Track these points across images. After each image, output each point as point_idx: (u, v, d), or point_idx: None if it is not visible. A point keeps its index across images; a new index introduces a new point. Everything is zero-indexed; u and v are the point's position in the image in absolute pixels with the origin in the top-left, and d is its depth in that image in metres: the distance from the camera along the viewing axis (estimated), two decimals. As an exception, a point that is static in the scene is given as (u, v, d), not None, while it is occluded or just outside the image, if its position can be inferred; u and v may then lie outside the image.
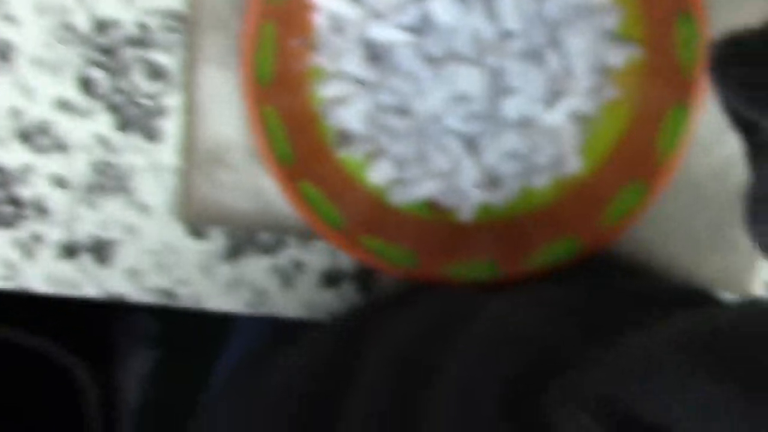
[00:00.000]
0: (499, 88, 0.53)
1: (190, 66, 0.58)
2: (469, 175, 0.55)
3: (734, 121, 0.28)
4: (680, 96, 0.48)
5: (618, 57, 0.53)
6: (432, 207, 0.57)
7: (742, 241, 0.58)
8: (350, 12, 0.53)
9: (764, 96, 0.23)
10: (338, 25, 0.53)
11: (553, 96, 0.53)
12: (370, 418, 0.40)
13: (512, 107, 0.53)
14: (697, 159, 0.57)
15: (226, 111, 0.59)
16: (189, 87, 0.59)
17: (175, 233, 0.62)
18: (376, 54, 0.53)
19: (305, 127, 0.55)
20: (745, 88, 0.24)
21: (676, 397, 0.30)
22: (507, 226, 0.56)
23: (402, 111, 0.54)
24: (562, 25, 0.51)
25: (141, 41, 0.59)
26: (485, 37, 0.52)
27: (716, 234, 0.58)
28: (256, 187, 0.60)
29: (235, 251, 0.62)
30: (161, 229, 0.62)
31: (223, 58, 0.58)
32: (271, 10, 0.50)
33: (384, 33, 0.52)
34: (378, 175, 0.56)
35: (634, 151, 0.52)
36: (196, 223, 0.62)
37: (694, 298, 0.51)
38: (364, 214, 0.56)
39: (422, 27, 0.52)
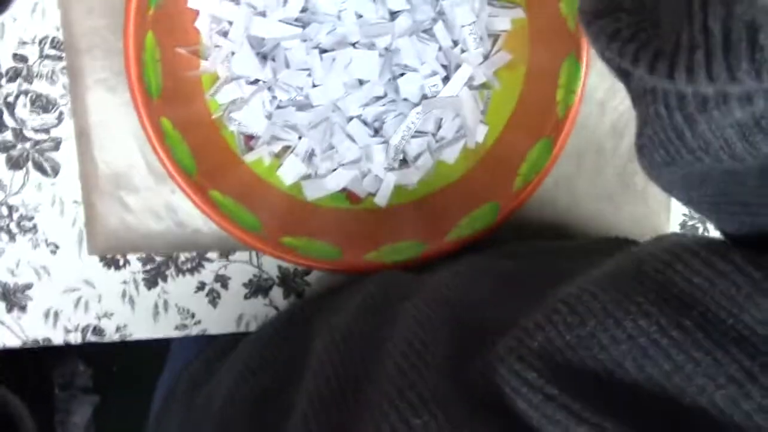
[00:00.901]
0: (394, 68, 0.53)
1: (75, 93, 0.56)
2: (378, 159, 0.54)
3: (613, 70, 0.29)
4: (570, 49, 0.49)
5: (504, 21, 0.53)
6: (348, 196, 0.56)
7: (651, 188, 0.59)
8: (231, 13, 0.52)
9: (624, 42, 0.24)
10: (222, 28, 0.52)
11: (448, 69, 0.53)
12: (317, 394, 0.39)
13: (410, 86, 0.53)
14: (595, 118, 0.58)
15: (120, 133, 0.57)
16: (78, 114, 0.56)
17: (90, 267, 0.60)
18: (265, 52, 0.52)
19: (206, 135, 0.54)
20: (609, 38, 0.25)
21: (611, 338, 0.30)
22: (426, 204, 0.56)
23: (301, 106, 0.53)
24: None
25: (20, 74, 0.56)
26: (372, 20, 0.52)
27: (625, 186, 0.59)
28: (166, 206, 0.58)
29: (155, 276, 0.61)
30: (75, 265, 0.60)
31: (109, 80, 0.56)
32: (150, 21, 0.48)
33: (269, 29, 0.51)
34: (288, 173, 0.55)
35: (536, 110, 0.52)
36: (110, 254, 0.60)
37: (615, 245, 0.52)
38: (281, 215, 0.55)
39: (307, 18, 0.51)
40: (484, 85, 0.55)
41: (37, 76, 0.56)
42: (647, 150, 0.28)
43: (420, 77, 0.53)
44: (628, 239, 0.54)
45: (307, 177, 0.56)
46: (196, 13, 0.52)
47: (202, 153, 0.52)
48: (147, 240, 0.59)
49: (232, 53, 0.52)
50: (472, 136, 0.54)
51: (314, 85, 0.52)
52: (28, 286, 0.60)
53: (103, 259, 0.60)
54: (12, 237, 0.59)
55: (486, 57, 0.54)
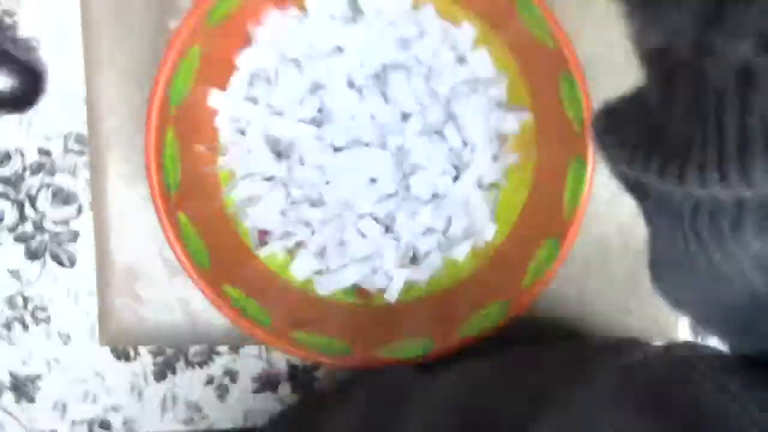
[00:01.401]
0: (405, 167, 0.54)
1: (96, 186, 0.58)
2: (389, 256, 0.55)
3: (626, 186, 0.28)
4: (576, 151, 0.50)
5: (511, 123, 0.55)
6: (359, 292, 0.57)
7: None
8: (250, 112, 0.54)
9: (634, 149, 0.24)
10: (240, 126, 0.54)
11: (458, 168, 0.55)
12: None
13: (421, 184, 0.54)
14: (603, 217, 0.59)
15: (138, 227, 0.58)
16: (97, 207, 0.58)
17: (101, 358, 0.60)
18: (281, 150, 0.54)
19: (221, 230, 0.55)
20: (620, 150, 0.25)
21: None
22: (435, 301, 0.57)
23: (314, 202, 0.55)
24: (455, 101, 0.53)
25: (44, 167, 0.58)
26: (384, 120, 0.53)
27: (634, 285, 0.60)
28: (179, 299, 0.59)
29: (165, 369, 0.61)
30: (86, 357, 0.60)
31: (129, 175, 0.58)
32: (171, 118, 0.50)
33: (286, 128, 0.53)
34: (300, 269, 0.56)
35: (543, 209, 0.53)
36: (121, 346, 0.60)
37: (624, 348, 0.52)
38: (292, 310, 0.55)
39: (322, 118, 0.53)
40: (493, 185, 0.56)
41: (59, 169, 0.58)
42: (659, 271, 0.28)
43: (431, 176, 0.54)
44: (634, 340, 0.54)
45: (319, 272, 0.56)
46: (216, 111, 0.54)
47: (216, 247, 0.53)
48: (158, 332, 0.59)
49: (249, 151, 0.54)
50: (481, 234, 0.55)
51: (328, 183, 0.54)
52: (39, 377, 0.60)
53: (114, 350, 0.60)
54: (26, 327, 0.60)
55: (495, 157, 0.55)
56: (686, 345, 0.43)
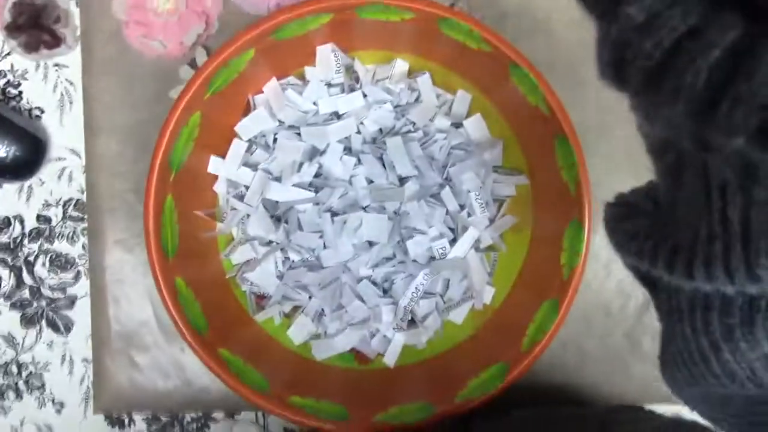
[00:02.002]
0: (402, 231, 0.54)
1: (94, 252, 0.58)
2: (387, 319, 0.55)
3: (637, 277, 0.28)
4: (572, 213, 0.51)
5: (508, 187, 0.56)
6: (357, 357, 0.56)
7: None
8: (248, 178, 0.54)
9: (643, 241, 0.24)
10: (239, 192, 0.55)
11: (455, 232, 0.55)
12: None
13: (418, 248, 0.54)
14: (601, 279, 0.59)
15: (135, 292, 0.58)
16: (95, 273, 0.58)
17: (95, 426, 0.59)
18: (279, 215, 0.55)
19: (218, 295, 0.55)
20: (630, 242, 0.25)
21: None
22: (434, 364, 0.56)
23: (312, 266, 0.55)
24: (452, 165, 0.54)
25: (43, 234, 0.59)
26: (382, 185, 0.54)
27: (634, 347, 0.59)
28: (175, 365, 0.58)
29: (160, 436, 0.60)
30: (79, 425, 0.59)
31: (126, 241, 0.58)
32: (171, 184, 0.51)
33: (283, 193, 0.53)
34: (298, 333, 0.56)
35: (542, 271, 0.54)
36: (115, 412, 0.59)
37: (629, 418, 0.51)
38: (289, 375, 0.55)
39: (320, 183, 0.54)
40: (490, 248, 0.56)
41: (58, 236, 0.59)
42: (670, 367, 0.27)
43: (428, 240, 0.54)
44: (640, 408, 0.53)
45: (317, 337, 0.56)
46: (215, 177, 0.55)
47: (213, 312, 0.53)
48: (154, 398, 0.58)
49: (248, 216, 0.55)
50: (479, 297, 0.55)
51: (325, 247, 0.54)
52: (31, 446, 0.59)
53: (108, 417, 0.59)
54: (19, 395, 0.59)
55: (492, 221, 0.56)
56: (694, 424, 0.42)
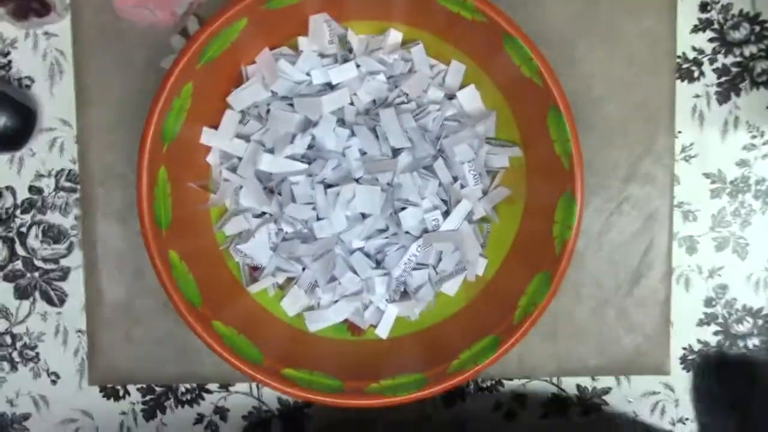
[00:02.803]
0: (395, 203, 0.54)
1: (87, 224, 0.58)
2: (380, 291, 0.55)
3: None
4: (565, 186, 0.51)
5: (501, 159, 0.55)
6: (350, 328, 0.57)
7: (649, 320, 0.59)
8: (241, 149, 0.54)
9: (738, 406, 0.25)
10: (232, 164, 0.55)
11: (448, 204, 0.55)
12: None
13: (411, 220, 0.54)
14: (592, 252, 0.59)
15: (128, 264, 0.58)
16: (88, 244, 0.58)
17: (90, 397, 0.60)
18: (272, 186, 0.54)
19: (212, 267, 0.55)
20: (717, 396, 0.26)
21: None
22: (427, 336, 0.56)
23: (305, 238, 0.55)
24: (445, 137, 0.54)
25: (35, 205, 0.58)
26: (375, 157, 0.54)
27: (624, 319, 0.60)
28: (169, 337, 0.58)
29: (154, 407, 0.60)
30: (75, 396, 0.60)
31: (120, 212, 0.58)
32: (163, 156, 0.50)
33: (276, 165, 0.53)
34: (291, 305, 0.56)
35: (533, 244, 0.54)
36: (110, 384, 0.60)
37: None
38: (283, 346, 0.55)
39: (313, 155, 0.54)
40: (483, 219, 0.56)
41: (50, 207, 0.58)
42: None
43: (421, 211, 0.54)
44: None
45: (310, 308, 0.56)
46: (208, 149, 0.54)
47: (207, 284, 0.53)
48: (148, 370, 0.59)
49: (240, 187, 0.54)
50: (472, 269, 0.55)
51: (318, 219, 0.54)
52: (26, 417, 0.59)
53: (103, 389, 0.60)
54: (14, 366, 0.59)
55: (485, 192, 0.56)
56: None
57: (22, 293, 0.59)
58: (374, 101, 0.55)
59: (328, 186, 0.54)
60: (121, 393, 0.60)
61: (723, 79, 0.59)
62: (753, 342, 0.61)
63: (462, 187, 0.55)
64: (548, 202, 0.52)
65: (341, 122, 0.54)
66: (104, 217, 0.58)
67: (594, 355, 0.59)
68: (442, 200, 0.55)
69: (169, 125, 0.50)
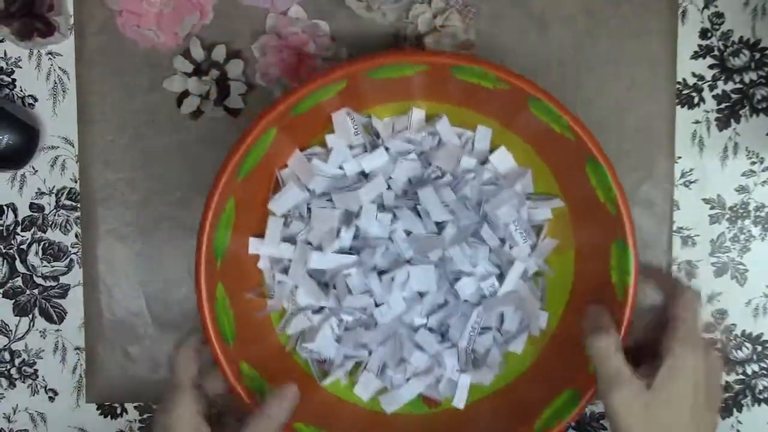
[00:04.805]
0: (449, 275, 0.54)
1: (87, 242, 0.58)
2: (450, 363, 0.55)
3: None
4: (615, 232, 0.50)
5: (544, 212, 0.55)
6: (425, 401, 0.57)
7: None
8: (289, 251, 0.55)
9: None
10: (282, 266, 0.55)
11: (500, 266, 0.55)
12: None
13: (468, 289, 0.54)
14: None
15: (127, 282, 0.58)
16: (88, 262, 0.58)
17: (87, 415, 0.60)
18: (326, 281, 0.55)
19: (282, 369, 0.55)
20: None
21: None
22: (502, 397, 0.56)
23: (367, 324, 0.55)
24: (485, 202, 0.54)
25: (36, 222, 0.59)
26: (420, 235, 0.54)
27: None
28: (167, 355, 0.58)
29: (151, 426, 0.60)
30: (72, 413, 0.60)
31: (120, 230, 0.58)
32: (218, 273, 0.51)
33: (326, 261, 0.53)
34: (364, 390, 0.56)
35: (592, 289, 0.53)
36: (108, 402, 0.60)
37: None
38: (363, 430, 0.55)
39: (360, 244, 0.54)
40: (537, 273, 0.56)
41: (51, 225, 0.59)
42: None
43: (476, 279, 0.54)
44: None
45: (383, 391, 0.56)
46: (257, 256, 0.55)
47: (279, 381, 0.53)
48: (146, 388, 0.59)
49: (296, 287, 0.55)
50: (535, 324, 0.55)
51: (377, 305, 0.54)
52: (24, 434, 0.60)
53: (100, 407, 0.60)
54: (12, 383, 0.59)
55: (533, 247, 0.56)
56: None
57: (21, 310, 0.59)
58: (410, 180, 0.55)
59: (380, 272, 0.54)
60: (118, 411, 0.60)
61: (723, 105, 0.59)
62: (752, 368, 0.61)
63: (511, 247, 0.55)
64: (599, 245, 0.52)
65: (381, 207, 0.54)
66: (104, 235, 0.58)
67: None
68: (494, 264, 0.55)
69: (219, 241, 0.51)
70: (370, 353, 0.56)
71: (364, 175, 0.55)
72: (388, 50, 0.59)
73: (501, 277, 0.55)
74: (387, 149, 0.54)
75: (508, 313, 0.56)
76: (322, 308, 0.55)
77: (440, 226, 0.54)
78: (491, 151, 0.55)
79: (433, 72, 0.50)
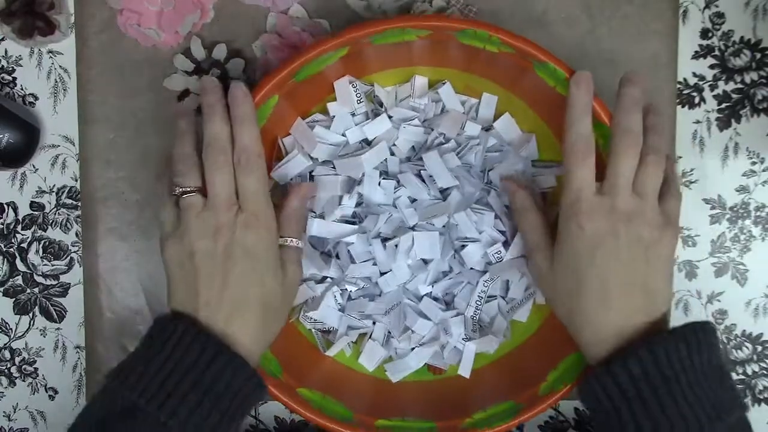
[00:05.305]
0: (454, 243, 0.54)
1: (87, 240, 0.58)
2: (456, 332, 0.55)
3: None
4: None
5: (549, 179, 0.55)
6: (430, 369, 0.57)
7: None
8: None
9: None
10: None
11: (506, 233, 0.55)
12: None
13: (473, 256, 0.54)
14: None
15: (127, 281, 0.58)
16: (88, 261, 0.58)
17: (87, 413, 0.60)
18: (329, 250, 0.55)
19: (286, 338, 0.54)
20: None
21: None
22: (506, 363, 0.57)
23: (371, 294, 0.55)
24: (490, 169, 0.54)
25: (36, 221, 0.59)
26: (425, 201, 0.54)
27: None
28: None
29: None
30: (72, 411, 0.60)
31: (120, 229, 0.58)
32: None
33: (327, 229, 0.53)
34: (369, 359, 0.56)
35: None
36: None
37: None
38: (369, 399, 0.55)
39: (363, 212, 0.54)
40: None
41: (51, 223, 0.59)
42: None
43: (482, 246, 0.54)
44: None
45: (388, 359, 0.56)
46: None
47: (286, 356, 0.53)
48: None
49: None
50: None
51: (381, 273, 0.54)
52: (24, 432, 0.60)
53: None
54: (12, 381, 0.59)
55: None
56: None
57: (21, 308, 0.59)
58: (413, 147, 0.55)
59: (384, 240, 0.54)
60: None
61: (724, 105, 0.59)
62: (752, 368, 0.61)
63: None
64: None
65: (385, 174, 0.54)
66: (105, 234, 0.58)
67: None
68: (499, 231, 0.55)
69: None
70: (374, 323, 0.56)
71: (368, 143, 0.54)
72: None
73: (506, 244, 0.54)
74: (390, 117, 0.54)
75: (513, 280, 0.55)
76: (324, 278, 0.55)
77: (445, 193, 0.54)
78: (495, 118, 0.55)
79: (436, 37, 0.50)
